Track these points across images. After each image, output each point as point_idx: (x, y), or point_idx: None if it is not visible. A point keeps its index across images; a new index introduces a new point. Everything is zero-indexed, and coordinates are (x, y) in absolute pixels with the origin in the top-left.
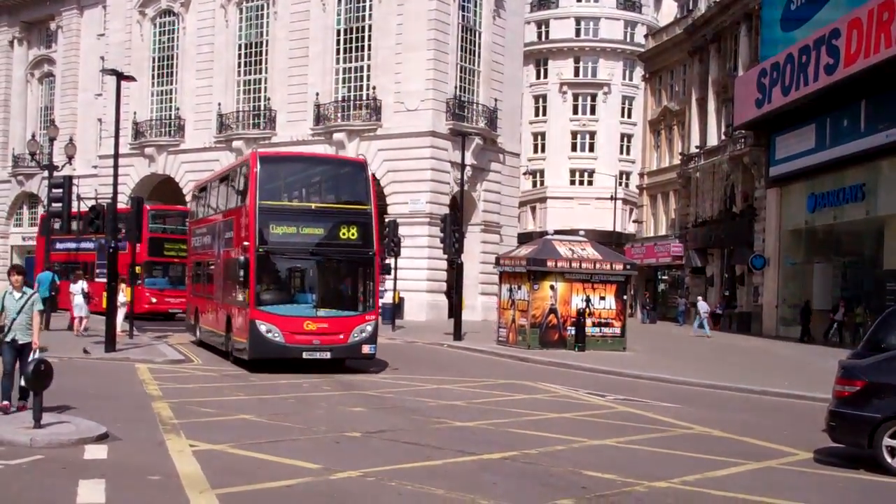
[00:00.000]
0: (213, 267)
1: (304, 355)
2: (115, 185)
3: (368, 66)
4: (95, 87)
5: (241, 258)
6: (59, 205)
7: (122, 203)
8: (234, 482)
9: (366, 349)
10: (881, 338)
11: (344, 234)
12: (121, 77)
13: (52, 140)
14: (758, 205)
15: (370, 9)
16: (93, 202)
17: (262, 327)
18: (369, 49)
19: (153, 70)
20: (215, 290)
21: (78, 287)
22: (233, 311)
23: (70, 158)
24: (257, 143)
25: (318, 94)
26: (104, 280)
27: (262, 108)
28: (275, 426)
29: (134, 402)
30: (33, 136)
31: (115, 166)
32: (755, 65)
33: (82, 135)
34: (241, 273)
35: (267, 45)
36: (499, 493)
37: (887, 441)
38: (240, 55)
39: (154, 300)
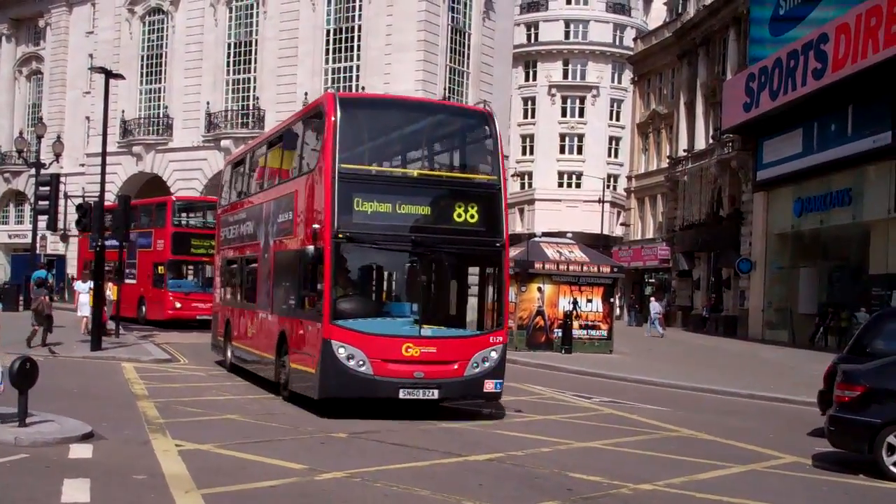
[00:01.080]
0: (255, 264)
1: (402, 394)
2: (103, 183)
3: (357, 67)
4: (84, 84)
5: (309, 249)
6: (46, 203)
7: (112, 201)
8: (219, 482)
9: (489, 386)
10: (867, 342)
11: (460, 215)
12: (109, 75)
13: (39, 137)
14: (745, 209)
15: (359, 9)
16: (80, 200)
17: (342, 351)
18: (358, 49)
19: (142, 68)
20: (260, 295)
21: (85, 286)
22: (290, 326)
23: (57, 156)
24: (245, 144)
25: (307, 94)
26: (132, 281)
27: (251, 107)
28: (261, 426)
29: (119, 402)
30: (21, 133)
31: (103, 164)
32: (743, 69)
33: (70, 132)
34: (309, 271)
35: (256, 45)
36: (484, 495)
37: (888, 445)
38: (229, 54)
39: (179, 305)
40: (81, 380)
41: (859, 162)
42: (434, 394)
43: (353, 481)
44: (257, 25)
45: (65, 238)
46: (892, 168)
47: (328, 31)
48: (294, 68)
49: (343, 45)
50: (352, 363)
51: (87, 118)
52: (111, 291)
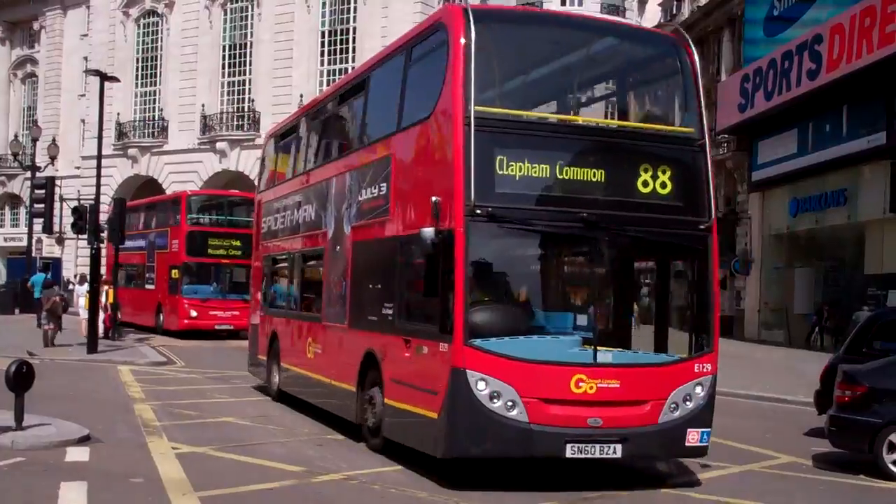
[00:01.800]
0: (318, 260)
1: (569, 452)
2: (98, 185)
3: (353, 69)
4: (79, 87)
5: (426, 233)
6: (42, 206)
7: (107, 203)
8: (216, 485)
9: (692, 437)
10: (864, 342)
11: (646, 183)
12: (104, 78)
13: (34, 140)
14: (740, 209)
15: (354, 11)
16: (76, 203)
17: (482, 386)
18: (354, 51)
19: (137, 71)
20: (329, 302)
21: (83, 289)
22: (386, 345)
23: (53, 159)
24: (241, 146)
25: (302, 96)
26: (151, 287)
27: (246, 109)
28: (258, 428)
29: (116, 404)
30: (16, 136)
31: (98, 167)
32: (738, 70)
33: (65, 135)
34: (423, 265)
35: (251, 47)
36: (482, 496)
37: (889, 444)
38: (224, 56)
39: (194, 314)
40: (78, 383)
41: (854, 162)
42: (616, 450)
43: (350, 483)
44: (252, 28)
45: (60, 241)
46: (887, 168)
47: (323, 34)
48: (289, 70)
49: (338, 46)
50: (497, 404)
51: (83, 121)
52: (108, 295)
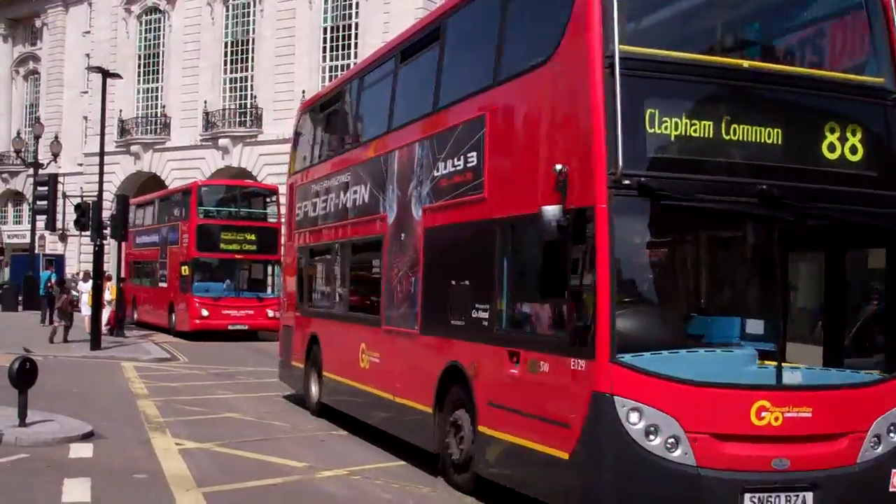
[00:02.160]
0: (371, 253)
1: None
2: (101, 182)
3: (356, 64)
4: (81, 84)
5: (549, 214)
6: (45, 203)
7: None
8: (219, 480)
9: None
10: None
11: (832, 146)
12: (106, 74)
13: (37, 138)
14: None
15: (356, 7)
16: (78, 200)
17: (634, 418)
18: (356, 48)
19: (139, 67)
20: (393, 304)
21: (86, 287)
22: (482, 357)
23: (55, 156)
24: (244, 142)
25: (304, 92)
26: (164, 285)
27: (249, 105)
28: (262, 424)
29: (119, 401)
30: (18, 133)
31: (101, 164)
32: None
33: (68, 132)
34: (541, 258)
35: (253, 43)
36: (486, 491)
37: None
38: (226, 53)
39: (206, 313)
40: (81, 379)
41: None
42: (806, 500)
43: (353, 479)
44: (254, 24)
45: (63, 238)
46: None
47: (325, 30)
48: (291, 66)
49: (340, 43)
50: (654, 442)
51: (85, 118)
52: (110, 291)
